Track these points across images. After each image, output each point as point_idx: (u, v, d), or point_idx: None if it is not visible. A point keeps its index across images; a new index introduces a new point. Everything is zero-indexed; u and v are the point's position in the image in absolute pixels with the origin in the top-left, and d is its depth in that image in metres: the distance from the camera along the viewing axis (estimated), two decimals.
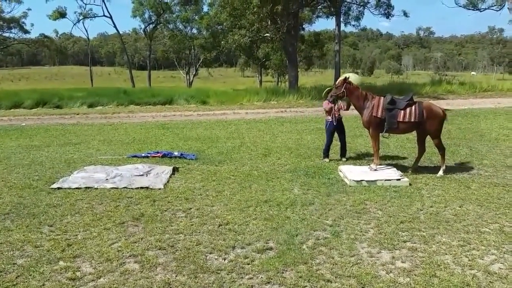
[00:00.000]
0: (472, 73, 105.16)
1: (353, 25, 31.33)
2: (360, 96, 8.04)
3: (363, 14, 30.48)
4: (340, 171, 7.93)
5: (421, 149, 8.22)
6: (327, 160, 9.05)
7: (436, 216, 5.85)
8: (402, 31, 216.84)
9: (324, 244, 5.02)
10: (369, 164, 8.25)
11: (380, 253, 4.80)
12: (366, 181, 7.25)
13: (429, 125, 7.76)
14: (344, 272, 4.38)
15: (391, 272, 4.39)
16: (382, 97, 7.95)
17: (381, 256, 4.75)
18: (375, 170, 7.80)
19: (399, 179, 7.30)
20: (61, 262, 4.66)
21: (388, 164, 8.41)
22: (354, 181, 7.26)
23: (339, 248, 4.92)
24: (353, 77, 8.65)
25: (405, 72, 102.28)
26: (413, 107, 7.70)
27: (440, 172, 7.86)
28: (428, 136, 8.02)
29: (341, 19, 29.39)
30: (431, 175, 7.82)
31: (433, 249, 4.89)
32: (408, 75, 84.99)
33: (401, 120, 7.69)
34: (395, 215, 5.90)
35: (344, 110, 8.99)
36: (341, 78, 8.35)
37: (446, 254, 4.77)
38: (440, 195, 6.74)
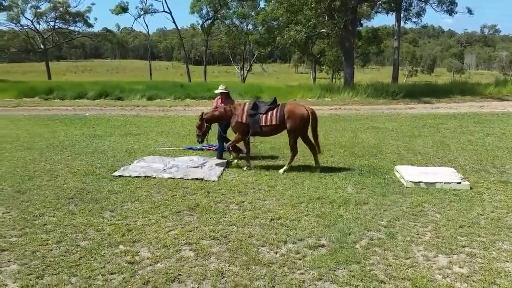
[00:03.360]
0: None
1: (414, 22, 30.23)
2: (224, 114, 8.33)
3: (425, 11, 29.31)
4: (397, 172, 7.72)
5: (310, 146, 8.21)
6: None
7: (498, 222, 5.58)
8: (465, 29, 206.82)
9: (378, 245, 4.93)
10: (427, 165, 7.96)
11: (437, 257, 4.66)
12: (425, 183, 7.01)
13: (290, 125, 7.88)
14: (398, 274, 4.28)
15: (447, 277, 4.25)
16: (247, 103, 8.16)
17: (437, 260, 4.60)
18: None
19: (459, 182, 7.01)
20: (121, 246, 4.90)
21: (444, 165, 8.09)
22: (412, 182, 7.04)
23: (394, 249, 4.81)
24: (221, 87, 9.08)
25: (467, 71, 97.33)
26: (275, 110, 7.95)
27: (281, 171, 7.94)
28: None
29: (402, 15, 28.48)
30: (493, 179, 7.45)
31: (493, 255, 4.68)
32: (471, 74, 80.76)
33: (263, 124, 7.96)
34: (454, 219, 5.68)
35: None
36: (199, 116, 8.57)
37: (507, 261, 4.55)
38: (502, 200, 6.42)
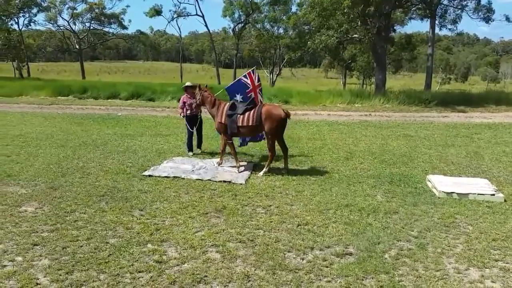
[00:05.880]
0: None
1: (449, 29, 29.48)
2: (211, 103, 8.44)
3: (461, 18, 28.54)
4: (429, 181, 7.53)
5: (283, 148, 8.24)
6: (190, 153, 9.64)
7: None
8: (502, 37, 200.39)
9: (408, 256, 4.81)
10: (460, 175, 7.74)
11: (468, 270, 4.52)
12: (457, 193, 6.82)
13: (268, 127, 7.85)
14: (428, 286, 4.17)
15: None
16: (227, 103, 8.25)
17: (469, 273, 4.47)
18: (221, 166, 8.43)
19: (493, 194, 6.78)
20: (149, 245, 4.96)
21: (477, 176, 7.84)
22: (444, 192, 6.86)
23: (424, 261, 4.69)
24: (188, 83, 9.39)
25: (502, 81, 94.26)
26: (252, 111, 7.94)
27: (260, 173, 8.00)
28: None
29: (436, 22, 27.84)
30: None
31: None
32: (506, 84, 78.25)
33: (240, 124, 7.97)
34: (487, 232, 5.51)
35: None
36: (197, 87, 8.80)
37: None
38: None
